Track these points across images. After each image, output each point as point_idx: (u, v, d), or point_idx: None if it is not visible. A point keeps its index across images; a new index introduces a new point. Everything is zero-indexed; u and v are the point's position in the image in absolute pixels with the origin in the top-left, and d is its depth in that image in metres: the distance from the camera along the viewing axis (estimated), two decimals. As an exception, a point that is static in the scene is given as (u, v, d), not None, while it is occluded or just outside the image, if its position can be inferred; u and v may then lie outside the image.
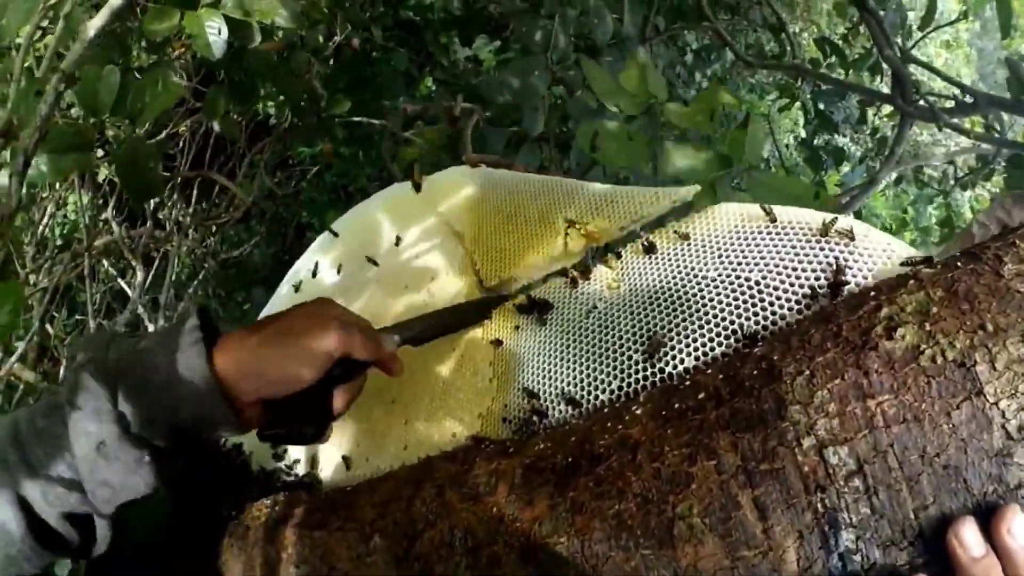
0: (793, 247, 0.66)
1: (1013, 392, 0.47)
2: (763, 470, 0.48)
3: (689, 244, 0.73)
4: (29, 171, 0.92)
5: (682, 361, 0.64)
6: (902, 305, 0.52)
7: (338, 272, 1.05)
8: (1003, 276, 0.51)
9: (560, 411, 0.70)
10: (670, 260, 0.73)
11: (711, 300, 0.66)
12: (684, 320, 0.67)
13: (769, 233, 0.69)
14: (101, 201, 1.88)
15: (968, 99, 1.78)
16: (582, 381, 0.69)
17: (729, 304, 0.65)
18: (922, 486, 0.47)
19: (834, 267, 0.62)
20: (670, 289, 0.70)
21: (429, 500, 0.61)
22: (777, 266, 0.66)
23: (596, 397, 0.68)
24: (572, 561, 0.51)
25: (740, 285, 0.66)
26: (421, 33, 2.41)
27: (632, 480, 0.51)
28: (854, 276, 0.62)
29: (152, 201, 1.92)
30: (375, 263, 1.01)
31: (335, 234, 1.11)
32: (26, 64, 0.96)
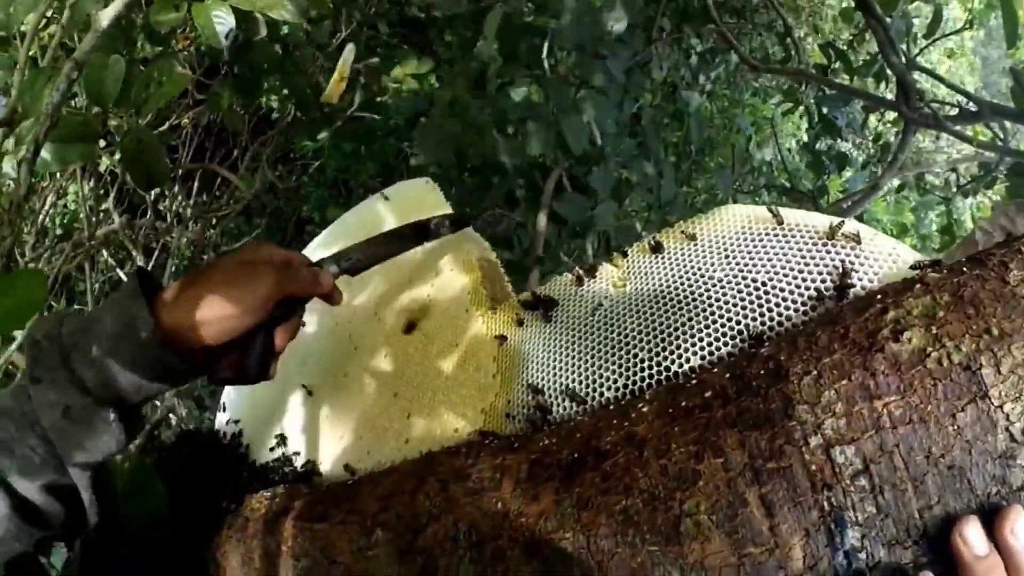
0: (800, 249, 0.67)
1: (1018, 395, 0.48)
2: (770, 468, 0.49)
3: (696, 244, 0.73)
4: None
5: (688, 360, 0.65)
6: (909, 308, 0.53)
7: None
8: (1008, 282, 0.52)
9: (565, 408, 0.70)
10: (677, 260, 0.73)
11: (717, 300, 0.67)
12: (690, 320, 0.67)
13: (776, 235, 0.69)
14: (102, 191, 1.87)
15: (972, 107, 1.78)
16: (587, 378, 0.70)
17: (735, 305, 0.66)
18: (927, 486, 0.48)
19: (840, 270, 0.63)
20: (676, 289, 0.70)
21: (433, 494, 0.61)
22: (784, 268, 0.66)
23: (601, 394, 0.68)
24: (577, 557, 0.51)
25: (747, 286, 0.66)
26: (426, 30, 2.41)
27: (639, 477, 0.51)
28: (860, 279, 0.62)
29: (153, 192, 1.91)
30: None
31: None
32: (31, 53, 0.96)
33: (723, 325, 0.65)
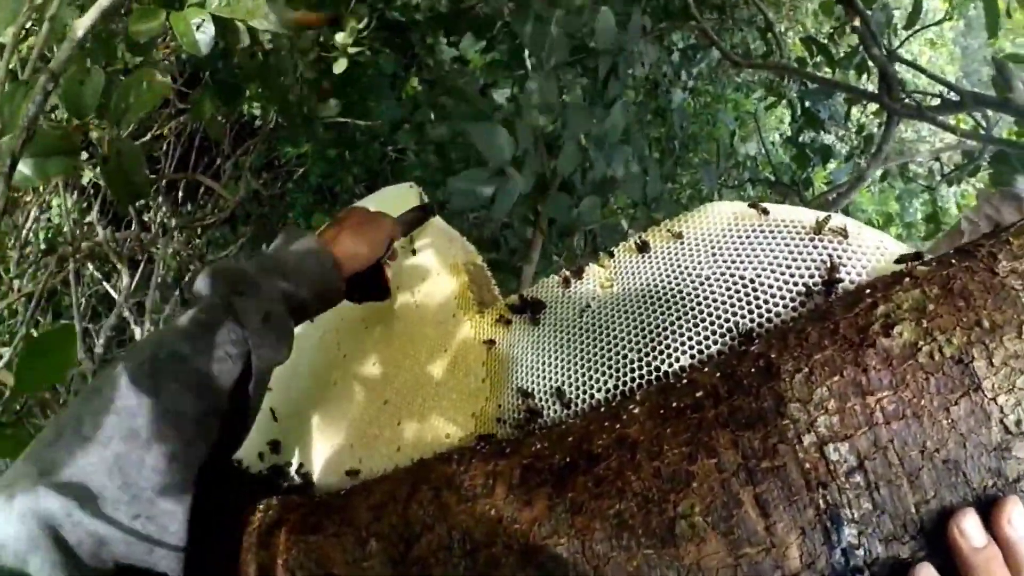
0: (787, 245, 0.67)
1: (1011, 387, 0.48)
2: (764, 468, 0.48)
3: (682, 243, 0.73)
4: (15, 176, 0.91)
5: (677, 360, 0.64)
6: (898, 302, 0.53)
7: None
8: (998, 273, 0.52)
9: (555, 410, 0.69)
10: (663, 259, 0.73)
11: (705, 298, 0.66)
12: (679, 319, 0.66)
13: (763, 231, 0.69)
14: (86, 204, 1.85)
15: (954, 97, 1.79)
16: (577, 380, 0.69)
17: (724, 302, 0.65)
18: (922, 481, 0.48)
19: (828, 265, 0.63)
20: (664, 288, 0.70)
21: (426, 502, 0.60)
22: (771, 264, 0.66)
23: (592, 396, 0.67)
24: (573, 562, 0.50)
25: (735, 283, 0.66)
26: (407, 34, 2.40)
27: (632, 479, 0.51)
28: (848, 274, 0.62)
29: (137, 204, 1.90)
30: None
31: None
32: (10, 66, 0.95)
33: (712, 323, 0.65)
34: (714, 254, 0.69)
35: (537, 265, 1.79)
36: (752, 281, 0.65)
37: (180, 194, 2.16)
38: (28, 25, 1.16)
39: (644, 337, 0.67)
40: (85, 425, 0.60)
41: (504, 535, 0.54)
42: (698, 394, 0.54)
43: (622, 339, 0.69)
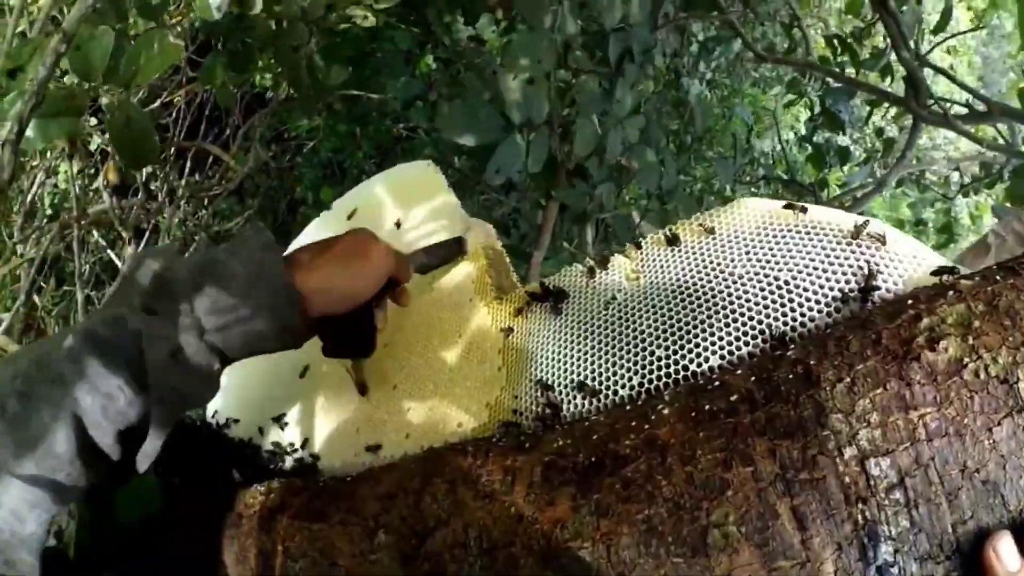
0: (824, 248, 0.64)
1: (1054, 411, 0.46)
2: (802, 479, 0.47)
3: (714, 238, 0.70)
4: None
5: (707, 359, 0.62)
6: (943, 316, 0.51)
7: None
8: (1043, 293, 0.50)
9: (576, 405, 0.67)
10: (694, 253, 0.70)
11: (738, 298, 0.64)
12: (709, 317, 0.64)
13: (798, 231, 0.67)
14: (92, 170, 1.83)
15: (981, 107, 1.76)
16: (600, 375, 0.67)
17: (757, 303, 0.63)
18: (961, 501, 0.47)
19: (865, 271, 0.61)
20: (694, 284, 0.68)
21: (440, 496, 0.58)
22: (807, 266, 0.63)
23: (615, 392, 0.65)
24: (597, 567, 0.48)
25: (768, 284, 0.64)
26: (424, 10, 2.36)
27: (662, 484, 0.49)
28: (884, 282, 0.60)
29: (144, 171, 1.87)
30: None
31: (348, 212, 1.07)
32: (19, 28, 0.92)
33: (744, 324, 0.62)
34: (747, 252, 0.67)
35: (545, 254, 1.77)
36: (787, 283, 0.63)
37: (188, 164, 2.13)
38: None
39: (672, 334, 0.65)
40: None
41: (524, 535, 0.52)
42: (732, 398, 0.52)
43: (649, 334, 0.66)
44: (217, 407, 0.98)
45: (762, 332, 0.61)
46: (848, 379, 0.49)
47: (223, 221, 2.55)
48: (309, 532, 0.68)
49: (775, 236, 0.67)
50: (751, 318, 0.62)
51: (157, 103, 1.92)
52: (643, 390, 0.63)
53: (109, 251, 1.89)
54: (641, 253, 0.74)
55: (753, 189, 3.02)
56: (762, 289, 0.64)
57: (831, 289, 0.61)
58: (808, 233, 0.66)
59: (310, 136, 2.77)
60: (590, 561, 0.49)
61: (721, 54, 2.70)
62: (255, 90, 2.40)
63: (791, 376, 0.51)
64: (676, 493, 0.48)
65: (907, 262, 0.61)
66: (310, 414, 0.90)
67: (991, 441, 0.47)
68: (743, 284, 0.65)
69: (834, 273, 0.62)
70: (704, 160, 3.07)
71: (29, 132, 0.94)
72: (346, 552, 0.63)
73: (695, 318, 0.65)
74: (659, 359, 0.64)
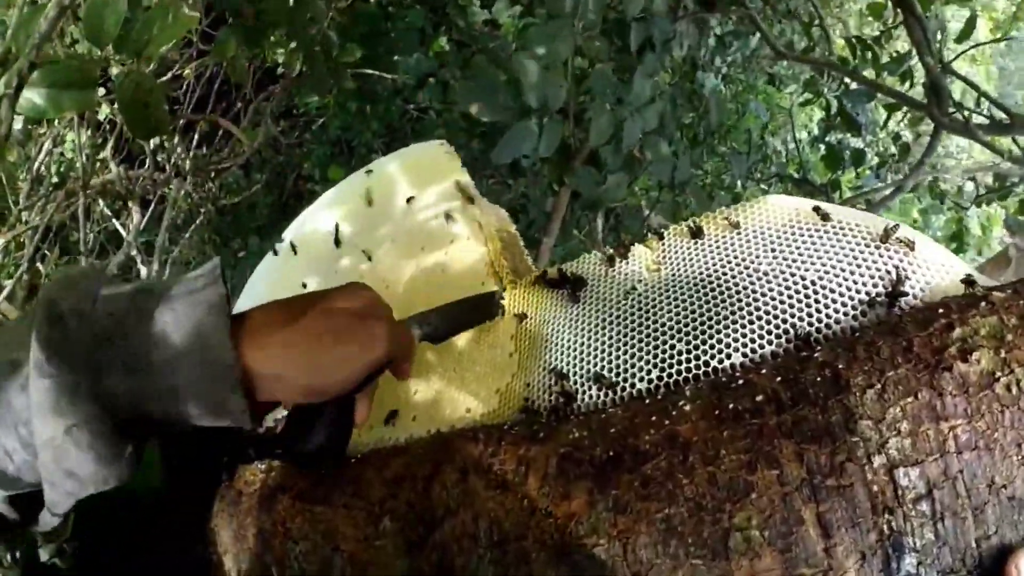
0: (852, 249, 0.63)
1: (1082, 430, 0.46)
2: (829, 485, 0.45)
3: (739, 233, 0.69)
4: (27, 105, 0.86)
5: (729, 356, 0.60)
6: (975, 327, 0.50)
7: (341, 231, 1.00)
8: (1076, 310, 0.49)
9: (590, 396, 0.65)
10: (718, 247, 0.69)
11: (763, 295, 0.62)
12: (732, 312, 0.63)
13: (826, 231, 0.65)
14: (100, 140, 1.81)
15: (1003, 118, 1.74)
16: (618, 366, 0.65)
17: (782, 301, 0.61)
18: (986, 516, 0.46)
19: (893, 276, 0.59)
20: (717, 278, 0.66)
21: (451, 484, 0.57)
22: (834, 267, 0.62)
23: (632, 385, 0.63)
24: (612, 565, 0.47)
25: (794, 283, 0.62)
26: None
27: (684, 483, 0.48)
28: (911, 288, 0.59)
29: (153, 142, 1.85)
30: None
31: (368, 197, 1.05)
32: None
33: (768, 322, 0.61)
34: (773, 249, 0.65)
35: (558, 238, 1.75)
36: (813, 283, 0.61)
37: (196, 137, 2.12)
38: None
39: (694, 328, 0.63)
40: None
41: (536, 528, 0.50)
42: (758, 398, 0.50)
43: (669, 328, 0.65)
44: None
45: (786, 332, 0.60)
46: (879, 385, 0.48)
47: (230, 195, 2.53)
48: (311, 514, 0.66)
49: (802, 234, 0.66)
50: (775, 316, 0.61)
51: (168, 75, 1.90)
52: (661, 384, 0.62)
53: (114, 221, 1.88)
54: (663, 244, 0.73)
55: (764, 186, 3.00)
56: (788, 287, 0.62)
57: (858, 292, 0.60)
58: (836, 234, 0.64)
59: (319, 113, 2.75)
60: (605, 559, 0.47)
61: (738, 49, 2.67)
62: (267, 65, 2.38)
63: (819, 379, 0.50)
64: (698, 493, 0.47)
65: (935, 269, 0.60)
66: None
67: (1020, 457, 0.46)
68: (768, 281, 0.63)
69: (862, 276, 0.61)
70: (716, 155, 3.05)
71: (40, 101, 0.92)
72: (350, 537, 0.61)
73: (718, 313, 0.63)
74: (679, 353, 0.63)
